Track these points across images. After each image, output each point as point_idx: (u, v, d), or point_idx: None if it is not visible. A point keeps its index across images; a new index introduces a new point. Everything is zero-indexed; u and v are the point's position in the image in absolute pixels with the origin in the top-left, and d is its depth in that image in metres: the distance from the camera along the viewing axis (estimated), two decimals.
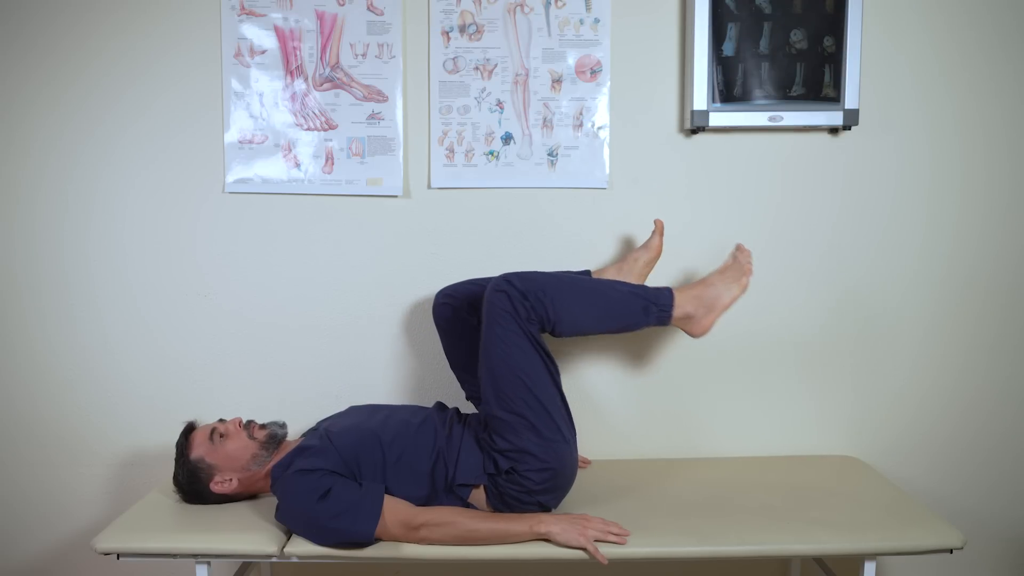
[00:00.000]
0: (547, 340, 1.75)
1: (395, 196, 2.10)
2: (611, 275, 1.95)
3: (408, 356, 2.14)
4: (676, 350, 2.13)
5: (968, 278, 2.12)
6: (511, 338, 1.65)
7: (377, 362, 2.14)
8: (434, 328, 1.97)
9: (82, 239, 2.12)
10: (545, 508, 1.71)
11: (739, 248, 1.86)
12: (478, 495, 1.71)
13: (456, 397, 2.07)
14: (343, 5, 2.06)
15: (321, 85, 2.08)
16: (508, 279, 1.66)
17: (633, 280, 1.94)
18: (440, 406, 1.91)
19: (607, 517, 1.64)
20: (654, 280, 2.03)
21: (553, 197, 2.10)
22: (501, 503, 1.69)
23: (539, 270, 1.75)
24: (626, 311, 1.73)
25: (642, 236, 2.09)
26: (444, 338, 1.94)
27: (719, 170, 2.10)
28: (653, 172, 2.10)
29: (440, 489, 1.71)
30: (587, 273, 1.96)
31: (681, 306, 1.75)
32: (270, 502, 1.75)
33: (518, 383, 1.65)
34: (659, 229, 1.97)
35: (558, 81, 2.07)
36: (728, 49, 1.99)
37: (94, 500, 2.18)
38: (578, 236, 2.11)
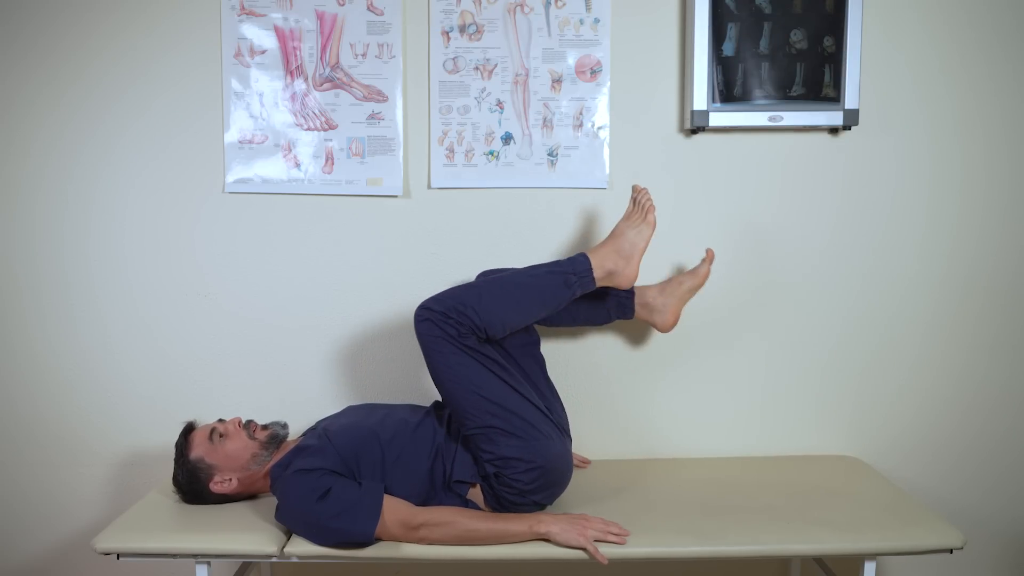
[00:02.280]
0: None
1: (395, 196, 2.10)
2: (653, 294, 1.95)
3: (408, 356, 2.14)
4: (676, 350, 2.13)
5: (968, 278, 2.12)
6: (450, 359, 1.65)
7: (376, 362, 2.14)
8: None
9: (82, 239, 2.12)
10: (541, 507, 1.71)
11: (634, 188, 1.84)
12: (476, 492, 1.71)
13: None
14: (343, 5, 2.06)
15: (321, 85, 2.08)
16: (425, 306, 1.66)
17: (674, 303, 1.94)
18: (438, 404, 1.91)
19: (607, 517, 1.64)
20: (651, 281, 2.03)
21: (553, 197, 2.10)
22: (497, 503, 1.69)
23: (456, 285, 1.74)
24: (548, 292, 1.73)
25: None
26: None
27: (719, 170, 2.10)
28: (653, 172, 2.10)
29: (439, 486, 1.71)
30: (629, 289, 1.94)
31: (600, 266, 1.76)
32: (270, 502, 1.75)
33: (474, 398, 1.65)
34: (709, 258, 1.97)
35: (558, 81, 2.07)
36: (728, 49, 1.99)
37: (94, 500, 2.18)
38: (578, 236, 2.11)
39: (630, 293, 1.95)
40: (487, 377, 1.67)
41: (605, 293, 1.94)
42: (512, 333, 1.76)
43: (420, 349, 1.68)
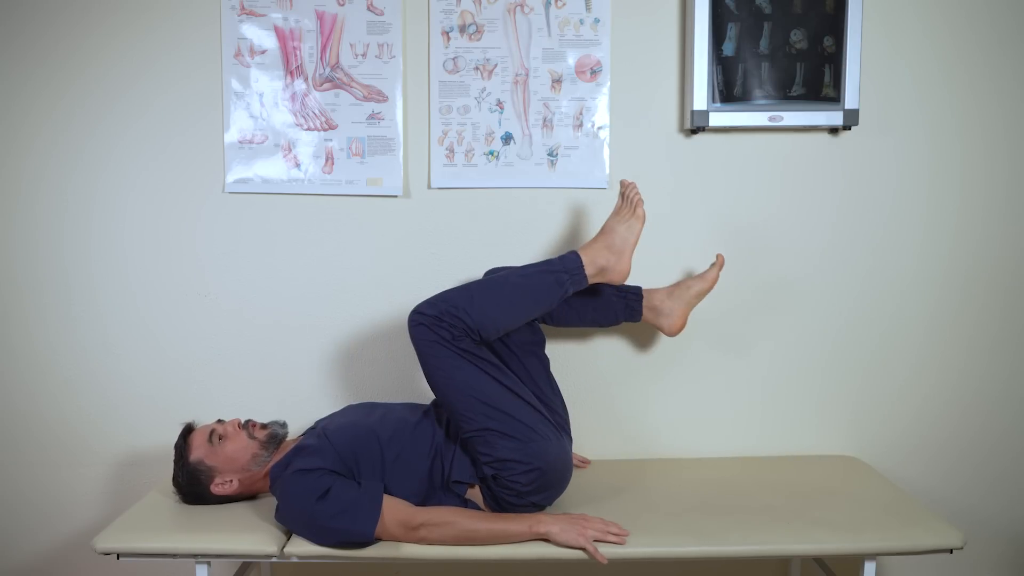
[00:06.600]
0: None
1: (395, 196, 2.10)
2: (661, 298, 1.95)
3: (407, 356, 2.14)
4: (676, 349, 2.13)
5: (968, 278, 2.12)
6: (445, 363, 1.65)
7: (377, 362, 2.14)
8: None
9: (82, 239, 2.12)
10: (540, 508, 1.71)
11: (622, 184, 1.84)
12: (475, 492, 1.71)
13: None
14: (343, 5, 2.06)
15: (321, 85, 2.08)
16: (418, 311, 1.66)
17: (681, 307, 1.94)
18: (437, 404, 1.90)
19: (607, 517, 1.64)
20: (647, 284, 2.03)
21: (553, 197, 2.10)
22: (496, 504, 1.69)
23: (448, 288, 1.74)
24: (541, 291, 1.73)
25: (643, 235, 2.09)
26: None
27: (719, 170, 2.10)
28: (653, 172, 2.10)
29: (438, 486, 1.71)
30: (638, 292, 1.96)
31: (592, 262, 1.76)
32: (270, 502, 1.75)
33: (470, 401, 1.65)
34: (719, 263, 1.97)
35: (558, 81, 2.07)
36: (728, 49, 1.99)
37: (94, 500, 2.18)
38: (578, 236, 2.11)
39: (638, 296, 1.95)
40: (482, 380, 1.67)
41: (614, 295, 1.94)
42: (509, 332, 1.76)
43: (417, 355, 1.68)
